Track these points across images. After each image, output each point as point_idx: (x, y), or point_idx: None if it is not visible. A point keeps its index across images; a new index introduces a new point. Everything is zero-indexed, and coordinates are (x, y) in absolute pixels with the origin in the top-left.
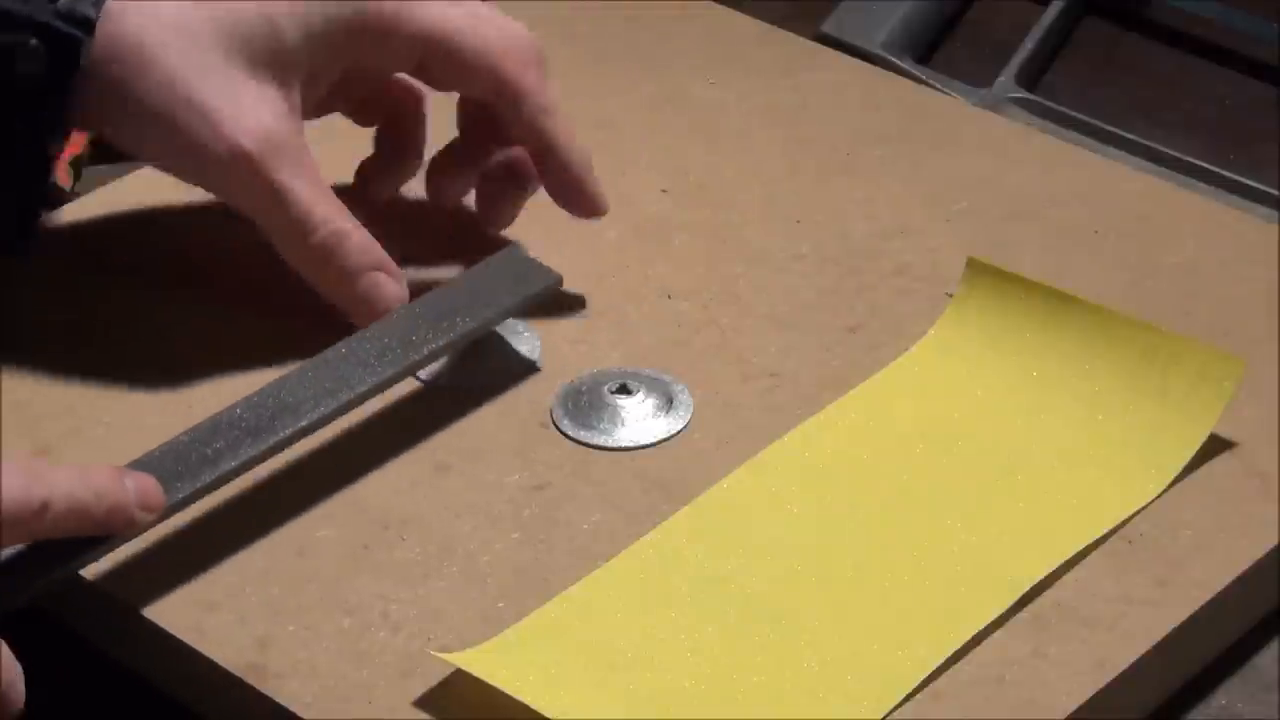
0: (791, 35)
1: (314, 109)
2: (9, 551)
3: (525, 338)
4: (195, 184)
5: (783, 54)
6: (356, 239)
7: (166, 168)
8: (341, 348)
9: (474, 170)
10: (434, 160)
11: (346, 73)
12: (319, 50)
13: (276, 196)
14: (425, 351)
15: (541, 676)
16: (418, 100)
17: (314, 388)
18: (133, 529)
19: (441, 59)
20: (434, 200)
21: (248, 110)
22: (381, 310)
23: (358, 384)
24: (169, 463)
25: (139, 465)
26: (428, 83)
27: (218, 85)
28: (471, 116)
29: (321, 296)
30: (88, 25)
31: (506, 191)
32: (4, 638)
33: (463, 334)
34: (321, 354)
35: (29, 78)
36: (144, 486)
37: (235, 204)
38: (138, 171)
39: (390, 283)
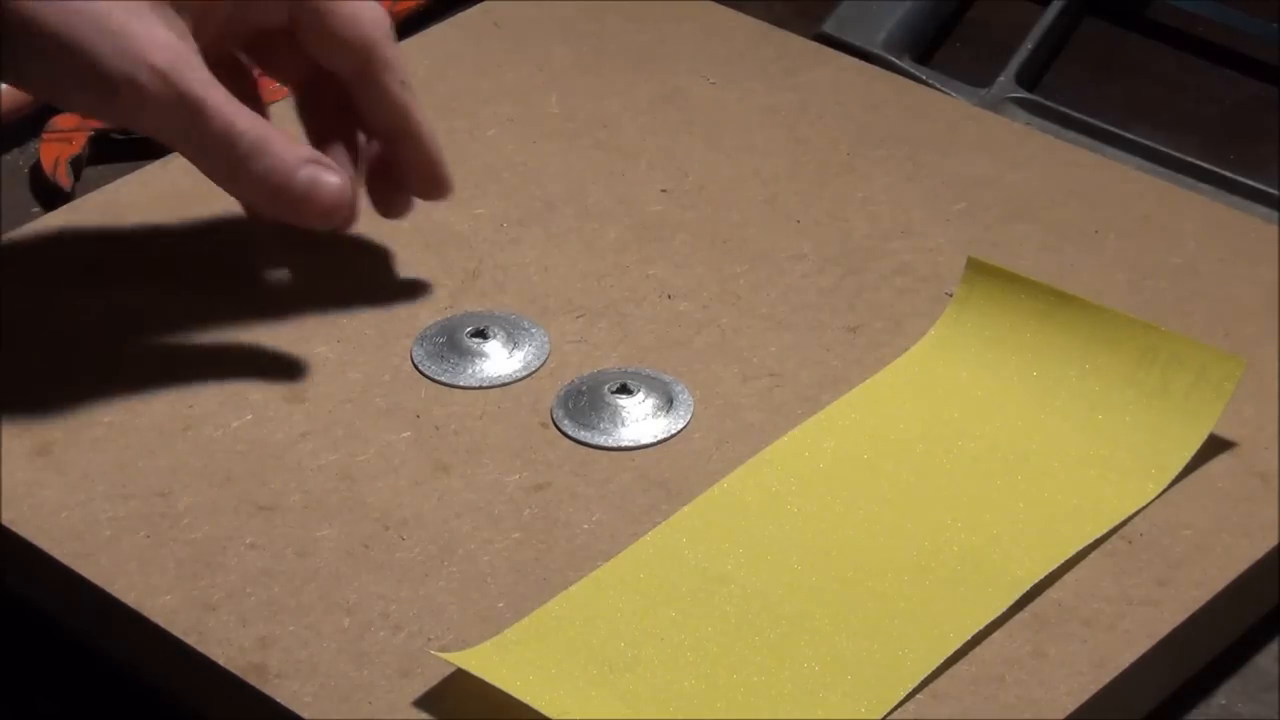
0: (791, 35)
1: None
2: None
3: (534, 334)
4: (109, 120)
5: (783, 54)
6: (282, 139)
7: (77, 105)
8: None
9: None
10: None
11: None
12: None
13: (194, 109)
14: None
15: (541, 676)
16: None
17: None
18: None
19: (314, 24)
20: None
21: (154, 30)
22: (329, 204)
23: None
24: None
25: None
26: (297, 45)
27: (121, 8)
28: (317, 106)
29: (263, 214)
30: None
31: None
32: (4, 638)
33: None
34: None
35: None
36: None
37: (152, 129)
38: (138, 171)
39: (329, 173)
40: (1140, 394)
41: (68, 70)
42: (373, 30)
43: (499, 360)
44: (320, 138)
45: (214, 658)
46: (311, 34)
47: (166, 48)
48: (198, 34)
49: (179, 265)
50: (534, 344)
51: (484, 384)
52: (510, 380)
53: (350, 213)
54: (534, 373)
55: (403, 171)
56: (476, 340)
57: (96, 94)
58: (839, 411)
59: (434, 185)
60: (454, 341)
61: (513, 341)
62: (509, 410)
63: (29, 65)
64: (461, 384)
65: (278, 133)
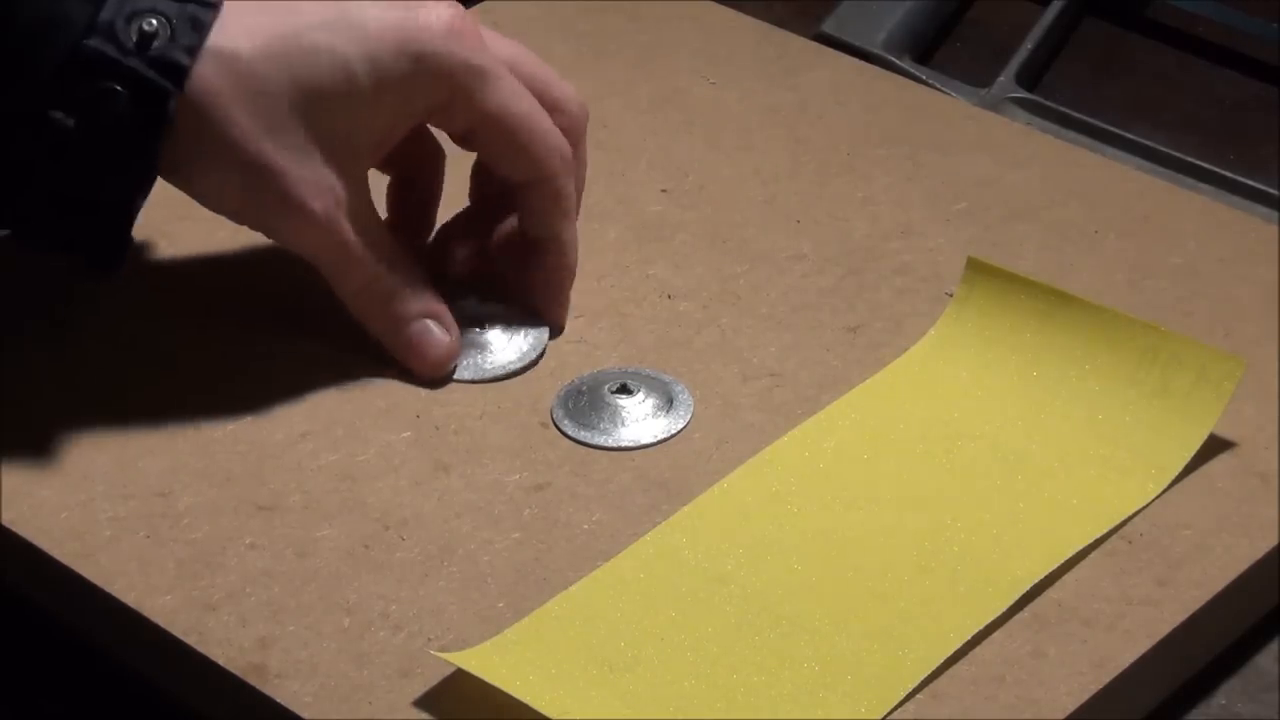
0: (791, 35)
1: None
2: None
3: (533, 332)
4: (263, 233)
5: (783, 54)
6: (412, 288)
7: (235, 218)
8: None
9: (483, 239)
10: (446, 227)
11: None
12: (389, 104)
13: (340, 253)
14: None
15: (541, 676)
16: (438, 158)
17: None
18: None
19: (499, 143)
20: (439, 267)
21: (315, 170)
22: (430, 358)
23: None
24: None
25: None
26: (470, 145)
27: (288, 146)
28: (488, 184)
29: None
30: (178, 74)
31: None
32: (4, 638)
33: None
34: None
35: (114, 126)
36: None
37: (310, 260)
38: None
39: (438, 330)
40: (1140, 394)
41: (232, 199)
42: (549, 159)
43: (500, 349)
44: (480, 180)
45: (214, 658)
46: (487, 149)
47: (323, 192)
48: (379, 147)
49: (179, 265)
50: (533, 334)
51: (483, 376)
52: (511, 370)
53: (450, 367)
54: (533, 364)
55: (534, 283)
56: (476, 330)
57: (259, 223)
58: (839, 411)
59: (550, 303)
60: None
61: (513, 329)
62: (509, 410)
63: (199, 185)
64: (459, 376)
65: (412, 280)
